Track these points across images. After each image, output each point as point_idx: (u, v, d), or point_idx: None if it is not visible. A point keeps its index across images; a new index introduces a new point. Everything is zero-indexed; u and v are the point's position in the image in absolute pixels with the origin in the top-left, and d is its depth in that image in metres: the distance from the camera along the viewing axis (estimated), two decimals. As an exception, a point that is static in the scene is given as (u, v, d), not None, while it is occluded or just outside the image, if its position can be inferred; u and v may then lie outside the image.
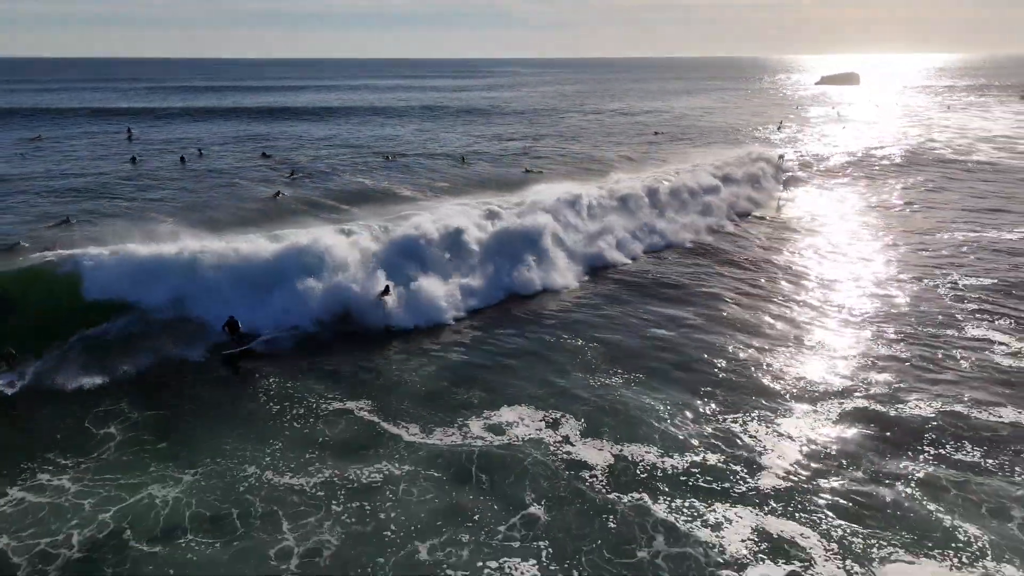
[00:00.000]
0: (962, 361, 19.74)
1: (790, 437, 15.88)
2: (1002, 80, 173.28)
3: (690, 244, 32.60)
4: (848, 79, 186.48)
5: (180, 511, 13.05)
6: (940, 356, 20.07)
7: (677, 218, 34.95)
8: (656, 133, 69.04)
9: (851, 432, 16.05)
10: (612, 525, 12.89)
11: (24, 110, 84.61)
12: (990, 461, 14.93)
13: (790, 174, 48.74)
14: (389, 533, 12.61)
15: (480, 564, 11.86)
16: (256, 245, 24.04)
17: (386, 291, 22.64)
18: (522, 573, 11.68)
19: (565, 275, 26.97)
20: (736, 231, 35.09)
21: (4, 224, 30.41)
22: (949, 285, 26.19)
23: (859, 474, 14.48)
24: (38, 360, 17.87)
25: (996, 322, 22.54)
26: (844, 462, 14.91)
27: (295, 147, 56.91)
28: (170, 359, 19.00)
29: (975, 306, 23.96)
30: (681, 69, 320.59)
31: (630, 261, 30.07)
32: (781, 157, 51.50)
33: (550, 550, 12.24)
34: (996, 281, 26.55)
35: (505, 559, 12.01)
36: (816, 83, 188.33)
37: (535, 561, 11.97)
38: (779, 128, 77.14)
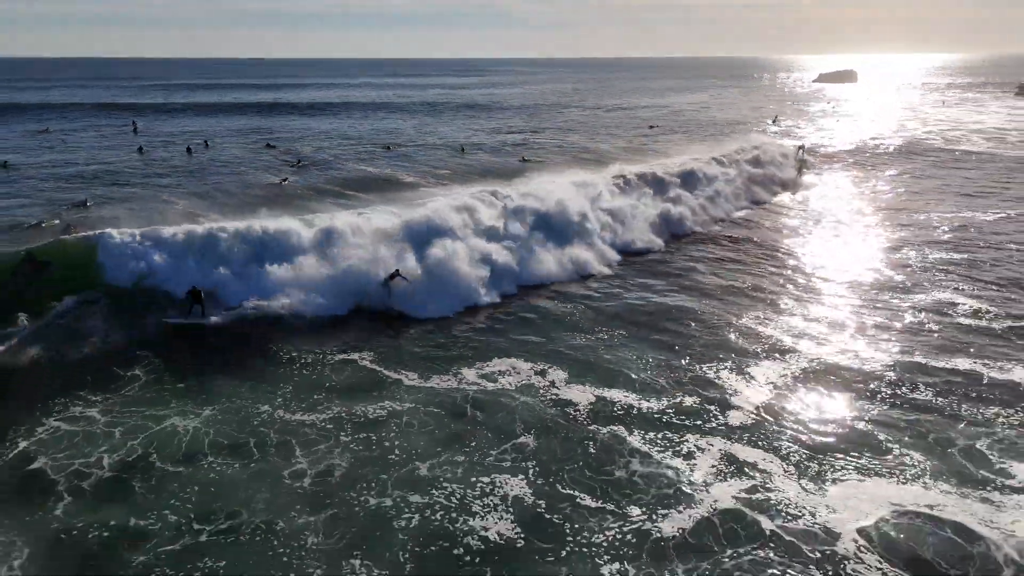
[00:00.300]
0: (924, 320, 21.14)
1: (759, 383, 17.27)
2: (1000, 78, 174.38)
3: (700, 230, 32.98)
4: (846, 77, 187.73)
5: (200, 439, 14.44)
6: (904, 316, 21.48)
7: (690, 205, 34.92)
8: (651, 127, 70.39)
9: (815, 378, 17.42)
10: (592, 451, 14.27)
11: (30, 105, 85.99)
12: (941, 401, 16.30)
13: (806, 161, 49.80)
14: (392, 456, 13.99)
15: (474, 479, 13.24)
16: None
17: (395, 275, 22.40)
18: (511, 487, 13.06)
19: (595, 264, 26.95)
20: (745, 216, 36.17)
21: (23, 207, 31.76)
22: (920, 258, 27.60)
23: (819, 413, 15.85)
24: (68, 304, 19.27)
25: (960, 288, 23.96)
26: (807, 403, 16.29)
27: (298, 139, 58.28)
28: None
29: (942, 275, 25.40)
30: (680, 68, 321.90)
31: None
32: (801, 148, 52.51)
33: (536, 469, 13.62)
34: (966, 256, 27.94)
35: (496, 475, 13.39)
36: (814, 81, 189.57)
37: (523, 477, 13.36)
38: (774, 122, 78.49)
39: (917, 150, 57.15)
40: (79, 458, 13.72)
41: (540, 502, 12.67)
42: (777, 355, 18.82)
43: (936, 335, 20.06)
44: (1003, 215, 34.79)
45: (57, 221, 28.37)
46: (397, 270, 22.48)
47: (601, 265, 27.00)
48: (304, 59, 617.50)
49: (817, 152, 55.20)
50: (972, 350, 19.03)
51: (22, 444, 14.10)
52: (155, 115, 78.10)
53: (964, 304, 22.40)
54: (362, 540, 11.66)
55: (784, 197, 40.91)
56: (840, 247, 29.61)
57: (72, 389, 16.15)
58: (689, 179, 38.43)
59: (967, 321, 21.01)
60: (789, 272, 26.25)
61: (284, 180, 39.10)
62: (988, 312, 21.73)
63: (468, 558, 11.29)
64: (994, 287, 24.11)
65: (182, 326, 19.79)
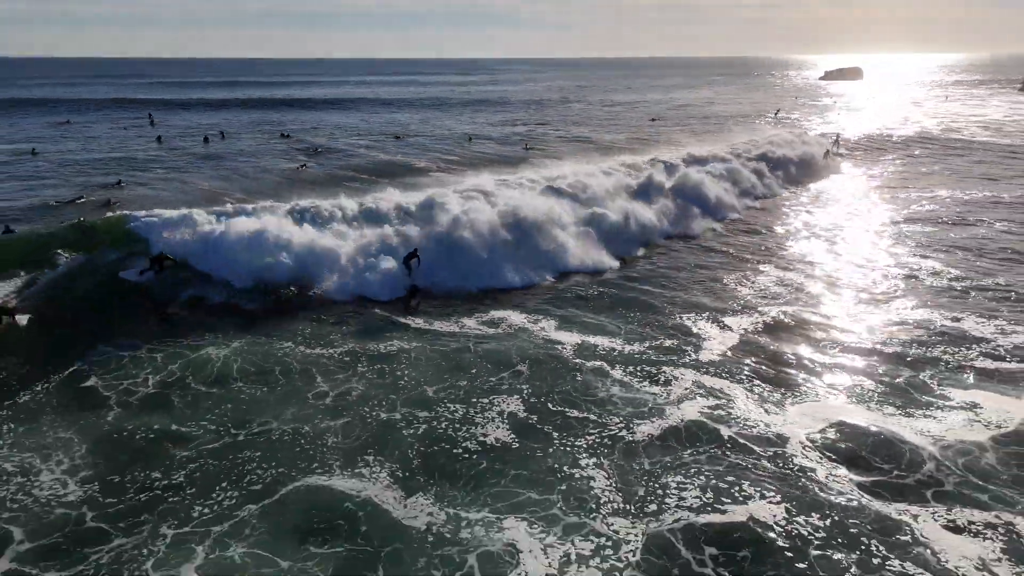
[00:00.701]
0: (891, 279, 22.91)
1: (731, 329, 19.07)
2: (1006, 75, 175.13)
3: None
4: (851, 74, 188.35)
5: (231, 365, 16.40)
6: (874, 276, 23.26)
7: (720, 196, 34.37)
8: (652, 119, 72.16)
9: (783, 327, 19.19)
10: (579, 378, 16.13)
11: (49, 100, 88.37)
12: (894, 344, 18.05)
13: (839, 150, 50.94)
14: (402, 382, 15.88)
15: (474, 400, 15.11)
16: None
17: (413, 254, 22.51)
18: (508, 405, 14.92)
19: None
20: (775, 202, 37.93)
21: (56, 188, 33.73)
22: (898, 230, 29.39)
23: (783, 354, 17.63)
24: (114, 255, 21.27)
25: (930, 254, 25.72)
26: (774, 346, 18.07)
27: (311, 131, 60.25)
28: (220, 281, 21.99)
29: (915, 244, 27.19)
30: (687, 68, 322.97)
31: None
32: (837, 139, 53.52)
33: (530, 391, 15.49)
34: (937, 228, 29.75)
35: (494, 396, 15.26)
36: (820, 78, 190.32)
37: (518, 397, 15.22)
38: (776, 115, 79.96)
39: (914, 139, 58.79)
40: (127, 378, 15.68)
41: (532, 416, 14.52)
42: (752, 308, 20.60)
43: (898, 292, 21.84)
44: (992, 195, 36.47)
45: (94, 197, 30.47)
46: (415, 249, 22.73)
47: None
48: (311, 59, 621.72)
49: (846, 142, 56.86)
50: (928, 301, 20.82)
51: (77, 364, 16.10)
52: (169, 110, 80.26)
53: (929, 267, 24.18)
54: (375, 442, 13.52)
55: (815, 183, 42.01)
56: (846, 229, 31.32)
57: (119, 325, 18.15)
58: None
59: (929, 280, 22.81)
60: (804, 248, 28.03)
61: (302, 166, 40.97)
62: (949, 273, 23.48)
63: (467, 456, 13.15)
64: (959, 253, 25.85)
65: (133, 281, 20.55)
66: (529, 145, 50.13)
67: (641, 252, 27.13)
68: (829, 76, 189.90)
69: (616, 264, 25.27)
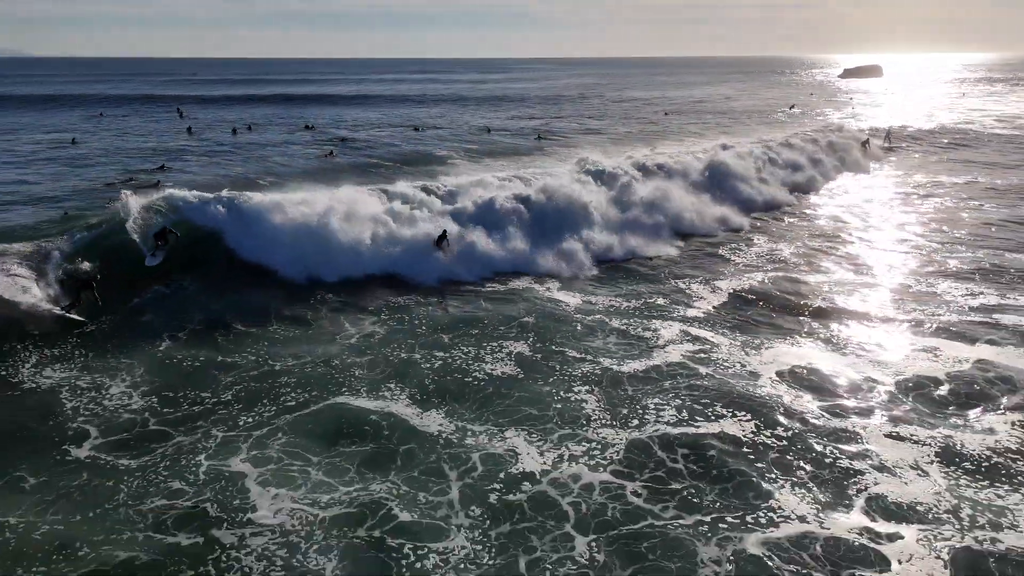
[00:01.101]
0: (872, 255, 24.52)
1: (722, 291, 20.77)
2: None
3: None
4: (871, 72, 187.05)
5: (268, 311, 18.41)
6: (861, 248, 24.84)
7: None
8: (665, 113, 73.71)
9: (767, 288, 20.85)
10: (578, 328, 17.94)
11: (84, 96, 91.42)
12: (864, 304, 19.66)
13: (888, 144, 51.35)
14: (420, 329, 17.80)
15: (484, 344, 16.97)
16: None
17: (443, 237, 22.54)
18: (514, 347, 16.78)
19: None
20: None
21: (101, 172, 35.72)
22: (904, 208, 30.94)
23: (766, 310, 19.29)
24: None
25: (920, 223, 27.25)
26: (761, 303, 19.73)
27: (333, 124, 62.40)
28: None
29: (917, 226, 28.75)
30: (705, 67, 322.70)
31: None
32: (888, 133, 53.92)
33: (535, 337, 17.34)
34: (934, 209, 31.24)
35: (503, 341, 17.14)
36: (839, 76, 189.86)
37: (524, 342, 17.08)
38: (790, 109, 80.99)
39: (925, 132, 59.82)
40: (173, 319, 17.73)
41: (536, 355, 16.35)
42: (741, 272, 22.27)
43: (874, 264, 23.42)
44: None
45: (143, 178, 32.70)
46: (444, 231, 22.71)
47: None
48: (332, 59, 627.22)
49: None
50: (900, 271, 22.46)
51: (135, 301, 18.21)
52: (194, 105, 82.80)
53: (913, 239, 25.72)
54: (396, 374, 15.40)
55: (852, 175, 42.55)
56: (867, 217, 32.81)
57: (172, 269, 20.21)
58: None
59: (919, 255, 24.36)
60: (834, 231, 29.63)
61: (330, 153, 42.95)
62: (932, 247, 25.01)
63: (477, 384, 14.99)
64: (944, 231, 27.34)
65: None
66: (541, 135, 51.92)
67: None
68: (848, 74, 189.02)
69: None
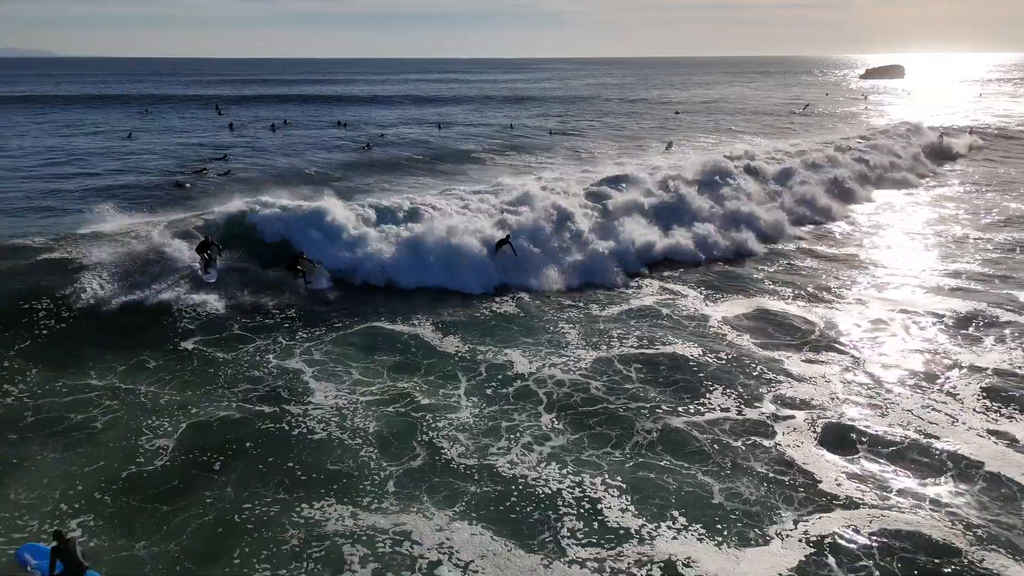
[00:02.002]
0: (858, 234, 27.85)
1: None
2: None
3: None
4: (893, 72, 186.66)
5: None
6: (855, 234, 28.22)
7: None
8: (676, 112, 77.00)
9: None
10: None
11: (127, 96, 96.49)
12: (824, 265, 23.06)
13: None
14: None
15: (496, 296, 20.65)
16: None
17: (505, 241, 22.26)
18: (518, 295, 20.42)
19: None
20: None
21: (164, 162, 39.59)
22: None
23: (730, 272, 22.78)
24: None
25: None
26: (736, 270, 23.23)
27: (362, 121, 66.32)
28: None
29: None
30: (729, 66, 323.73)
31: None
32: (970, 132, 54.27)
33: (535, 293, 21.01)
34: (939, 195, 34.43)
35: (510, 293, 20.77)
36: (861, 76, 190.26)
37: (527, 294, 20.72)
38: (803, 109, 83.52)
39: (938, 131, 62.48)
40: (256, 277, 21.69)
41: (536, 303, 20.03)
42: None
43: (852, 239, 26.79)
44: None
45: (213, 165, 37.37)
46: (507, 235, 22.50)
47: None
48: (358, 58, 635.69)
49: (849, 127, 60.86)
50: (869, 246, 25.78)
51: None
52: (231, 103, 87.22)
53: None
54: (420, 311, 19.13)
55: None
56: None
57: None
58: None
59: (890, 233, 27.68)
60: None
61: (367, 146, 46.62)
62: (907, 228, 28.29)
63: (485, 319, 18.72)
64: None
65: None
66: (552, 130, 55.70)
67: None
68: (870, 74, 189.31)
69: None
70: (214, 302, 18.34)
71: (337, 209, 23.46)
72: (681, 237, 25.32)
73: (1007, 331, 18.00)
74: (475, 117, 71.16)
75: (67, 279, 18.34)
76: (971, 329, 18.17)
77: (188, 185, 32.10)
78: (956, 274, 22.62)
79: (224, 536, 10.04)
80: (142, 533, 10.08)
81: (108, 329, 16.80)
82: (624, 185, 30.05)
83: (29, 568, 9.05)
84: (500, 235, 22.49)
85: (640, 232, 25.00)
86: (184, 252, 20.38)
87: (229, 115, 70.81)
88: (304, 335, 17.26)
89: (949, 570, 9.67)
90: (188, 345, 16.35)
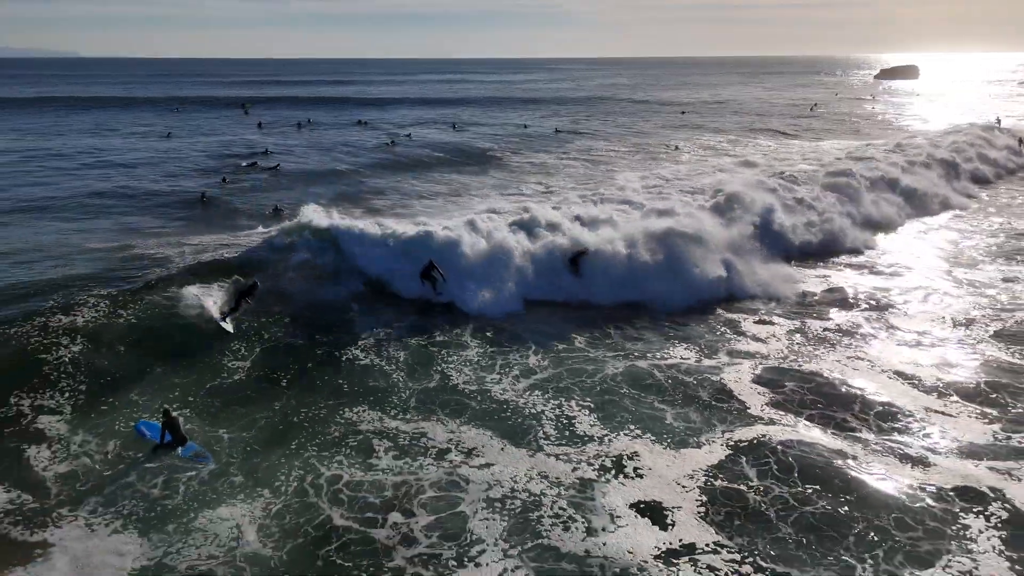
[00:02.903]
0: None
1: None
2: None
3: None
4: (907, 72, 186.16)
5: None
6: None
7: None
8: (682, 112, 79.89)
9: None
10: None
11: (153, 98, 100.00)
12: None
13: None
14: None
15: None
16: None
17: (583, 254, 21.45)
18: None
19: None
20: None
21: (206, 159, 42.68)
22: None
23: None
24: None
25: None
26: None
27: (381, 120, 69.58)
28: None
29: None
30: (743, 66, 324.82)
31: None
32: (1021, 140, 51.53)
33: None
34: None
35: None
36: (876, 76, 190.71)
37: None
38: (811, 109, 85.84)
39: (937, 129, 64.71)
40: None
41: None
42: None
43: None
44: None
45: (262, 159, 40.61)
46: (585, 249, 21.68)
47: None
48: (368, 59, 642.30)
49: (852, 124, 63.35)
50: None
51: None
52: (255, 104, 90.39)
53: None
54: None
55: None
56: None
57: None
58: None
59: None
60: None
61: (391, 143, 49.73)
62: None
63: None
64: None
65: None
66: (557, 128, 58.99)
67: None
68: (884, 75, 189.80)
69: None
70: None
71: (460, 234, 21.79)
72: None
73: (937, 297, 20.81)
74: (487, 117, 74.27)
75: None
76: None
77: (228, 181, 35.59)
78: None
79: (285, 430, 13.22)
80: (225, 424, 13.31)
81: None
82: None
83: (146, 437, 12.26)
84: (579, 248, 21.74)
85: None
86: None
87: (255, 114, 74.35)
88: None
89: (838, 464, 12.54)
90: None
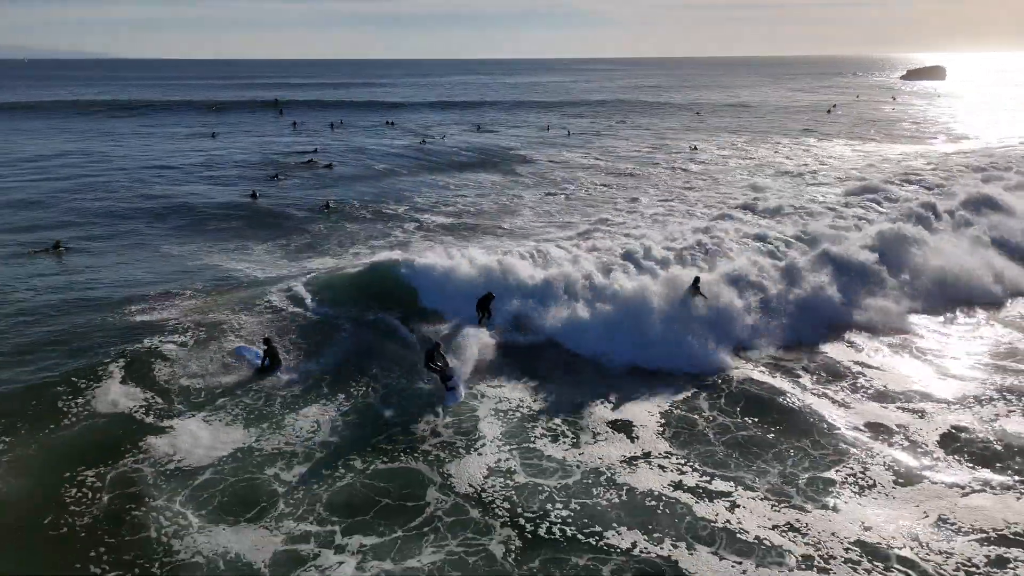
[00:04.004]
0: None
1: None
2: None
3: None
4: (934, 73, 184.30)
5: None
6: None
7: None
8: (697, 113, 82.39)
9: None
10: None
11: (193, 102, 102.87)
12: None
13: None
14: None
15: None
16: None
17: (696, 283, 18.47)
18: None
19: None
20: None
21: (256, 158, 45.48)
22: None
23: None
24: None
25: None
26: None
27: (407, 121, 72.24)
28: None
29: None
30: (768, 66, 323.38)
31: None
32: None
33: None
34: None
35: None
36: (902, 77, 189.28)
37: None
38: (829, 111, 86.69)
39: (940, 129, 66.12)
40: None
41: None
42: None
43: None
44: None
45: (315, 159, 43.73)
46: (697, 277, 18.66)
47: None
48: (400, 59, 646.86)
49: (874, 125, 65.12)
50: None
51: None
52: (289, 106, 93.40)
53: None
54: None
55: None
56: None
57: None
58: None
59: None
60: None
61: (423, 141, 52.58)
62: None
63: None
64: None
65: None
66: (570, 132, 61.87)
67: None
68: (911, 75, 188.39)
69: None
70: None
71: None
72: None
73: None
74: (509, 118, 76.86)
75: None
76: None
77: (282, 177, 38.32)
78: None
79: (359, 359, 16.20)
80: (313, 358, 16.10)
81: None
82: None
83: (244, 358, 15.30)
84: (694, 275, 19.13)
85: None
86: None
87: (288, 115, 77.25)
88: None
89: (777, 400, 15.29)
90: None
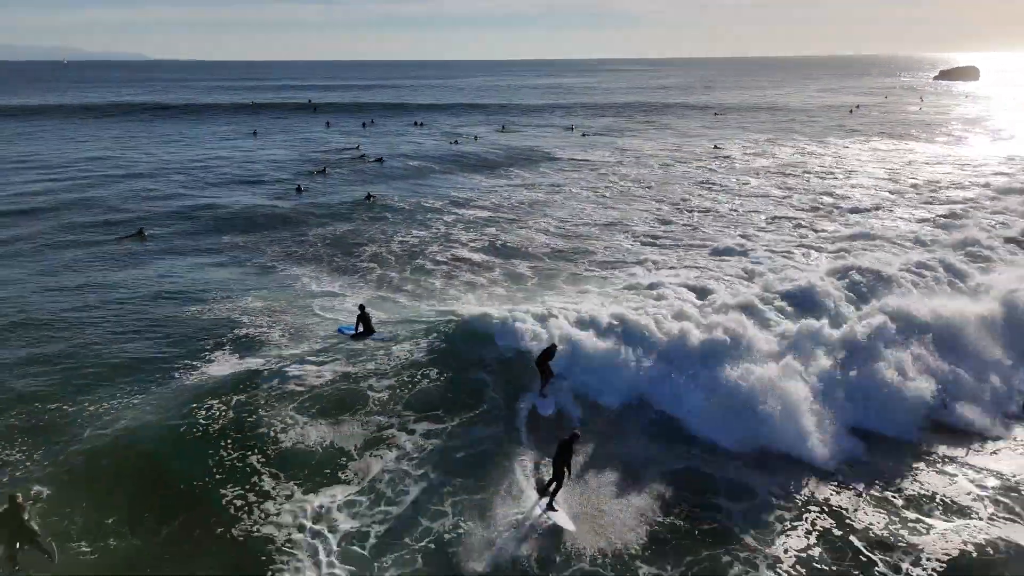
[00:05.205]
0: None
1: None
2: None
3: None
4: (967, 74, 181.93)
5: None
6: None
7: None
8: (715, 113, 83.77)
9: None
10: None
11: (230, 104, 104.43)
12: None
13: None
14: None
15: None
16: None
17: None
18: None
19: None
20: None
21: (301, 154, 47.46)
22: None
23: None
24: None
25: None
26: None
27: (434, 121, 73.75)
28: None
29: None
30: (800, 67, 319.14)
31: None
32: None
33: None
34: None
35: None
36: (935, 78, 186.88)
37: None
38: (851, 112, 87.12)
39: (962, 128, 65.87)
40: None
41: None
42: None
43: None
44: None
45: (361, 153, 46.21)
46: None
47: None
48: (432, 60, 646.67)
49: (897, 126, 65.74)
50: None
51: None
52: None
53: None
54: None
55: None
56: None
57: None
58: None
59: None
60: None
61: (454, 142, 53.64)
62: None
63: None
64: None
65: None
66: (584, 133, 63.63)
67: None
68: (944, 76, 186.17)
69: None
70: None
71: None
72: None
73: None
74: (531, 119, 77.72)
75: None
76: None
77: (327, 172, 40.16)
78: None
79: None
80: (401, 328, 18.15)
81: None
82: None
83: (344, 333, 17.33)
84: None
85: None
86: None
87: (322, 115, 78.63)
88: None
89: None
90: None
